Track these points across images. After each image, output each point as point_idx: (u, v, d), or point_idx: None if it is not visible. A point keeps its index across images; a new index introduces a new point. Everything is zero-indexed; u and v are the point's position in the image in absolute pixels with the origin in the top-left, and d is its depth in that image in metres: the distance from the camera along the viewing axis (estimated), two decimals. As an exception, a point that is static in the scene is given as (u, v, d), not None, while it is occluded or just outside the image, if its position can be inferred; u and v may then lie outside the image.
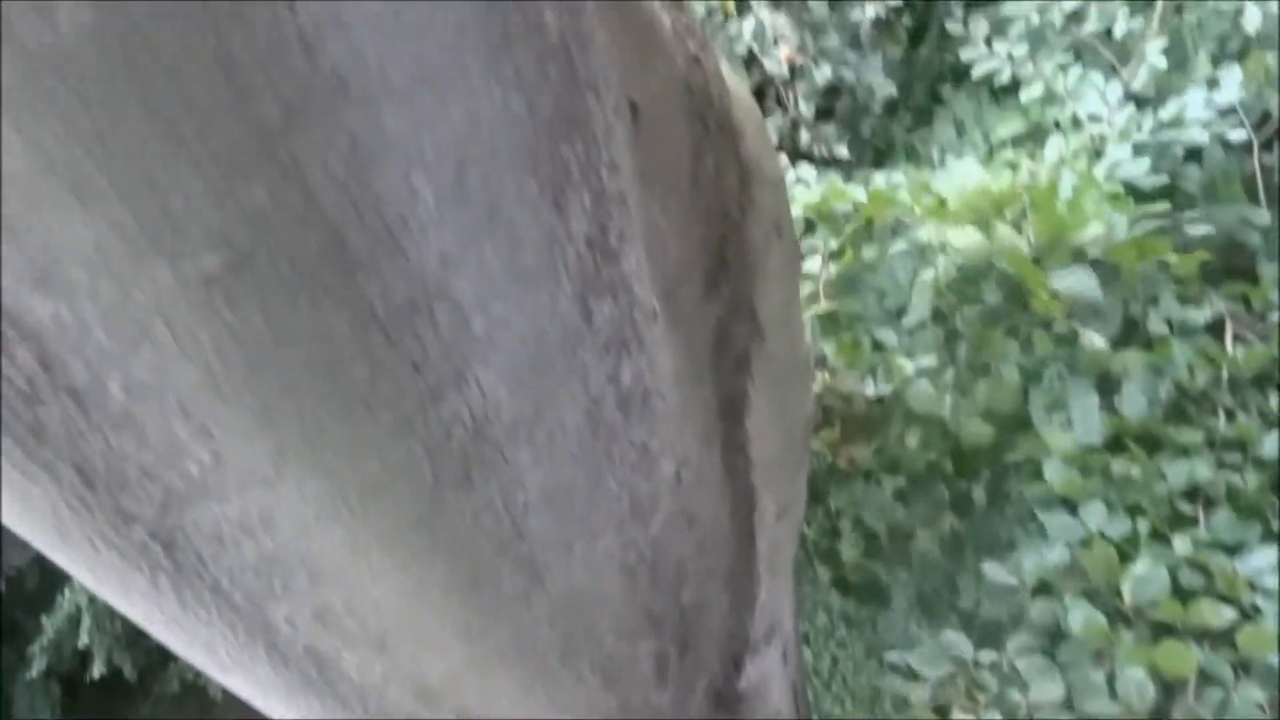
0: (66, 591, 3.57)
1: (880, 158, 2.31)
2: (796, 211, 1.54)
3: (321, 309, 0.47)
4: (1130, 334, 1.68)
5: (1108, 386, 1.65)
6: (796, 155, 2.13)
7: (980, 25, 1.84)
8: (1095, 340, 1.37)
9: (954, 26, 1.89)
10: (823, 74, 2.13)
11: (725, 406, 0.91)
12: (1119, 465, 1.62)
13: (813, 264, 1.65)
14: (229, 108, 0.38)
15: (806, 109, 2.07)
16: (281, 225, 0.43)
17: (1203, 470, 1.56)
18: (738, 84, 0.86)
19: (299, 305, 0.46)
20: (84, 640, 3.51)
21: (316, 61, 0.40)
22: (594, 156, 0.62)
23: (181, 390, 0.47)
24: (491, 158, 0.52)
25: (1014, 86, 1.81)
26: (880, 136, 2.49)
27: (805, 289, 1.65)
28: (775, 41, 2.09)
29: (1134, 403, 1.57)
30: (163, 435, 0.50)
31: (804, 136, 2.12)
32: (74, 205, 0.38)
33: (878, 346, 1.67)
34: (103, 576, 0.60)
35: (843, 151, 2.09)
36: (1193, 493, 1.61)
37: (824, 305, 1.66)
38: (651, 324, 0.75)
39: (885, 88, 2.15)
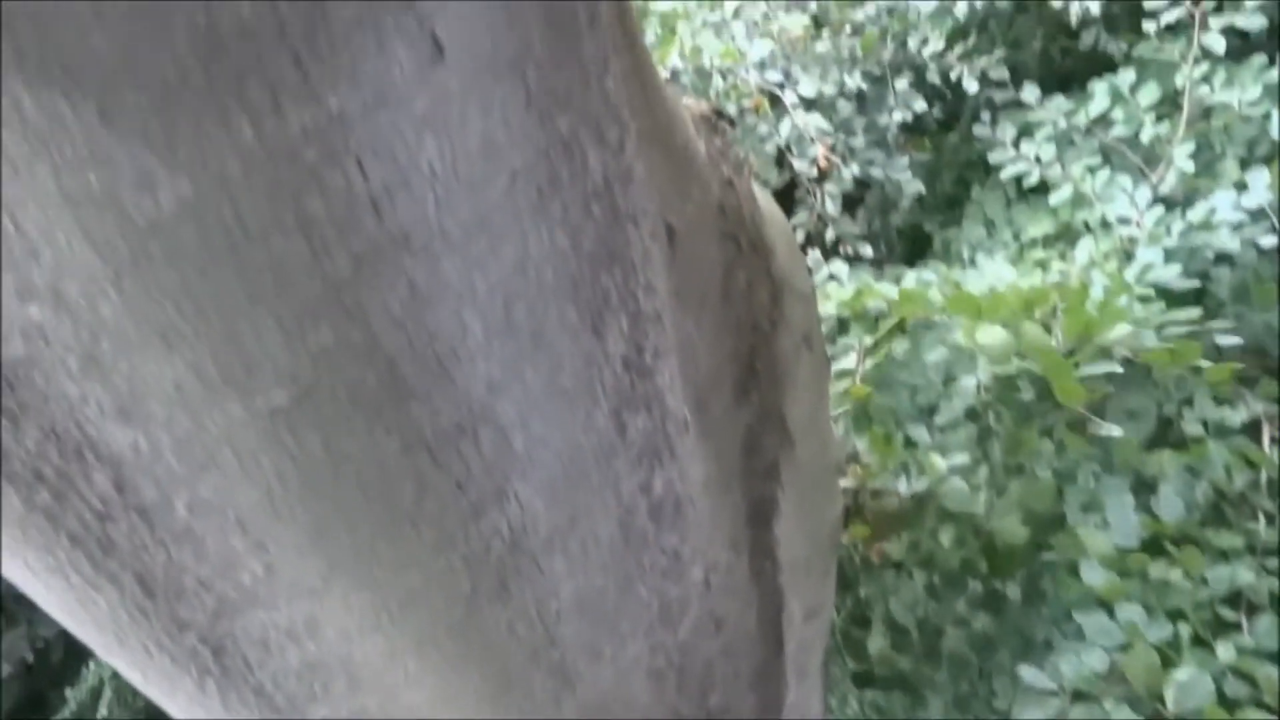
0: (91, 664, 3.58)
1: (910, 253, 2.35)
2: (829, 309, 1.57)
3: (375, 435, 0.50)
4: (1164, 434, 1.67)
5: (1143, 487, 1.65)
6: (826, 251, 2.17)
7: (1007, 129, 1.89)
8: (1113, 430, 1.37)
9: (981, 129, 1.94)
10: (851, 172, 2.18)
11: (754, 512, 0.93)
12: (1157, 568, 1.61)
13: (847, 361, 1.67)
14: (305, 263, 0.42)
15: (834, 207, 2.12)
16: (344, 362, 0.46)
17: (1244, 575, 1.54)
18: (769, 202, 0.90)
19: (355, 432, 0.49)
20: (103, 713, 3.50)
21: (384, 219, 0.43)
22: (631, 281, 0.65)
23: (241, 509, 0.51)
24: (537, 291, 0.55)
25: (1043, 187, 1.85)
26: (909, 232, 2.54)
27: (839, 385, 1.67)
28: (811, 140, 2.15)
29: (1171, 505, 1.56)
30: (220, 549, 0.53)
31: (832, 233, 2.16)
32: (160, 349, 0.42)
33: (910, 443, 1.67)
34: (152, 678, 0.63)
35: (867, 250, 2.13)
36: (1235, 598, 1.58)
37: (856, 401, 1.68)
38: (683, 434, 0.78)
39: (913, 185, 2.19)
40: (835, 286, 1.69)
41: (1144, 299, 1.48)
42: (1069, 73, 2.41)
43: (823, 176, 2.18)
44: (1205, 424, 1.57)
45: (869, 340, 1.52)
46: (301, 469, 0.49)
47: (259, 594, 0.56)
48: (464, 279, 0.49)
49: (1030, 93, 1.95)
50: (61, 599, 0.54)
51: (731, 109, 2.32)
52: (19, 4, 0.32)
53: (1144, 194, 1.67)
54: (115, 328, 0.41)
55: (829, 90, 2.18)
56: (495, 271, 0.51)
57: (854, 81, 2.18)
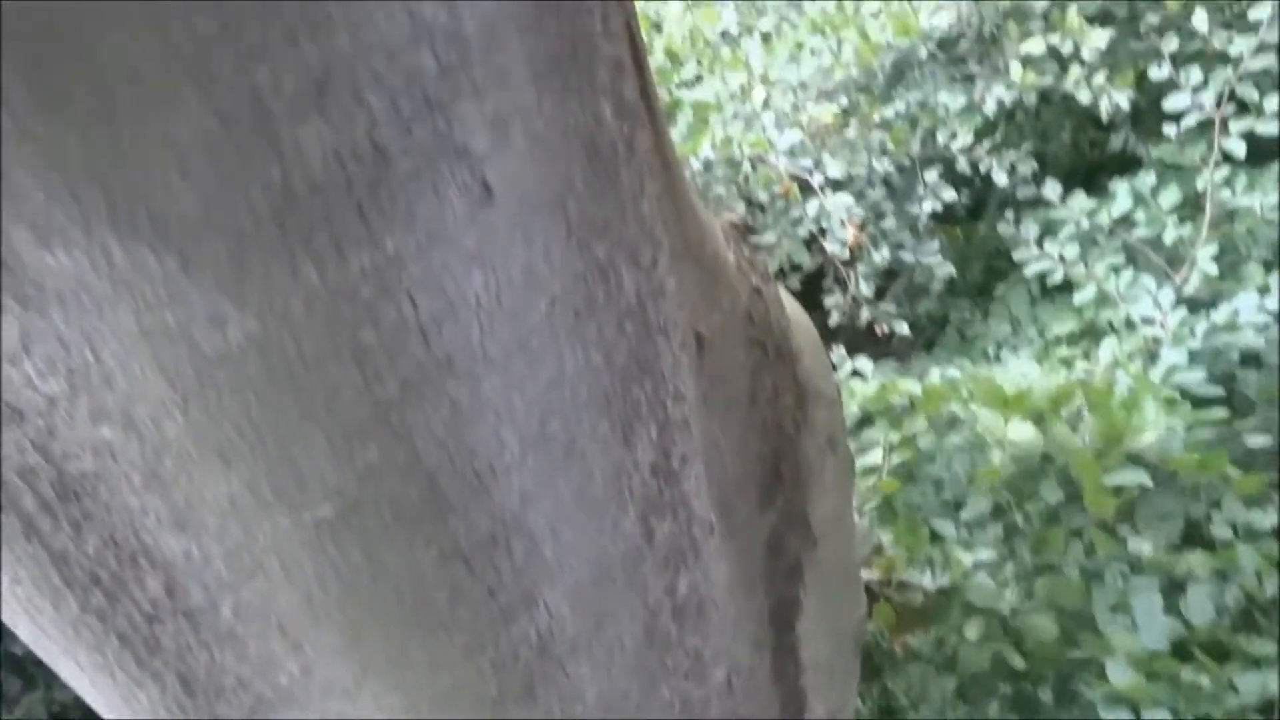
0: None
1: (935, 342, 2.37)
2: (853, 406, 1.59)
3: (414, 546, 0.52)
4: (1193, 536, 1.66)
5: (1173, 589, 1.63)
6: (855, 335, 2.20)
7: (1031, 227, 1.92)
8: (1146, 549, 1.37)
9: (1005, 227, 1.97)
10: (882, 255, 2.21)
11: (777, 613, 0.94)
12: (1187, 672, 1.58)
13: (872, 456, 1.68)
14: (356, 388, 0.45)
15: (867, 288, 2.15)
16: (388, 478, 0.49)
17: (1275, 684, 1.51)
18: (795, 307, 0.92)
19: (395, 543, 0.51)
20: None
21: (431, 346, 0.46)
22: (661, 391, 0.68)
23: (282, 613, 0.53)
24: (571, 406, 0.58)
25: (1067, 284, 1.87)
26: (936, 320, 2.56)
27: (865, 479, 1.68)
28: (842, 223, 2.19)
29: (1201, 609, 1.54)
30: (261, 650, 0.55)
31: (864, 315, 2.19)
32: (219, 466, 0.44)
33: (936, 537, 1.67)
34: (187, 771, 0.64)
35: (904, 328, 2.15)
36: (1267, 707, 1.55)
37: (882, 494, 1.68)
38: (708, 537, 0.79)
39: (944, 268, 2.22)
40: (859, 382, 1.71)
41: (1169, 401, 1.49)
42: (1095, 164, 2.46)
43: (853, 259, 2.22)
44: (1234, 527, 1.56)
45: (894, 435, 1.53)
46: (342, 576, 0.51)
47: (295, 694, 0.57)
48: (503, 398, 0.52)
49: (1053, 190, 1.98)
50: (106, 695, 0.56)
51: (762, 195, 2.38)
52: (114, 164, 0.35)
53: (1167, 295, 1.69)
54: (179, 447, 0.44)
55: (858, 175, 2.23)
56: (532, 390, 0.54)
57: (883, 167, 2.23)
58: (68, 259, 0.37)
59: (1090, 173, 2.57)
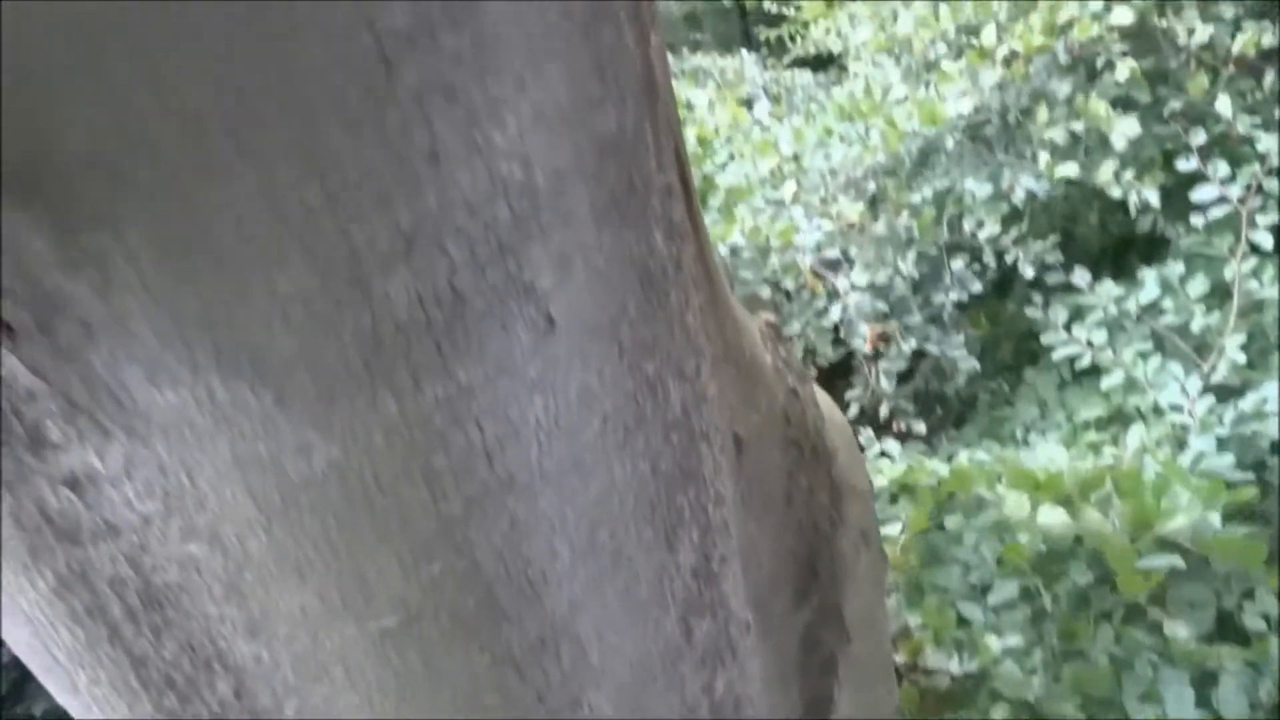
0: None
1: (962, 427, 2.38)
2: (881, 483, 1.60)
3: (469, 652, 0.54)
4: (1225, 625, 1.64)
5: (1204, 680, 1.61)
6: (879, 425, 2.21)
7: (1059, 311, 1.94)
8: (1181, 633, 1.36)
9: (1033, 312, 1.99)
10: (907, 346, 2.23)
11: (811, 707, 0.94)
12: (1222, 768, 1.55)
13: (894, 529, 1.69)
14: (425, 507, 0.47)
15: (888, 383, 2.17)
16: (449, 589, 0.51)
17: (1312, 781, 1.48)
18: (830, 405, 0.95)
19: (452, 650, 0.54)
20: None
21: (494, 466, 0.49)
22: (703, 496, 0.70)
23: (343, 713, 0.55)
24: (619, 516, 0.60)
25: (1095, 368, 1.88)
26: (964, 400, 2.57)
27: (892, 557, 1.68)
28: (865, 319, 2.22)
29: (1233, 702, 1.52)
30: (318, 750, 0.57)
31: (885, 409, 2.20)
32: (295, 580, 0.47)
33: (963, 621, 1.66)
34: None
35: (920, 427, 2.16)
36: (1302, 804, 1.51)
37: (909, 575, 1.68)
38: (745, 635, 0.81)
39: (968, 362, 2.24)
40: (887, 463, 1.72)
41: (1200, 487, 1.49)
42: (1123, 244, 2.48)
43: (876, 353, 2.24)
44: (1267, 619, 1.54)
45: (921, 514, 1.54)
46: (401, 681, 0.53)
47: (348, 791, 0.59)
48: (557, 511, 0.55)
49: (1081, 276, 2.01)
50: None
51: (789, 284, 2.41)
52: (223, 314, 0.39)
53: (1195, 383, 1.70)
54: (259, 562, 0.46)
55: (884, 272, 2.26)
56: (584, 501, 0.57)
57: (908, 266, 2.26)
58: (174, 396, 0.40)
59: (1118, 253, 2.59)
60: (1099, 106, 1.91)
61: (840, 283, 2.11)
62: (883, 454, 1.85)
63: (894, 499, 1.66)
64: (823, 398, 0.94)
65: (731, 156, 2.88)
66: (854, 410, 2.26)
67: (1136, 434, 1.67)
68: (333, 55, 0.35)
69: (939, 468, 1.59)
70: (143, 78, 0.32)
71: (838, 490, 0.90)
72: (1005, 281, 2.63)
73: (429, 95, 0.38)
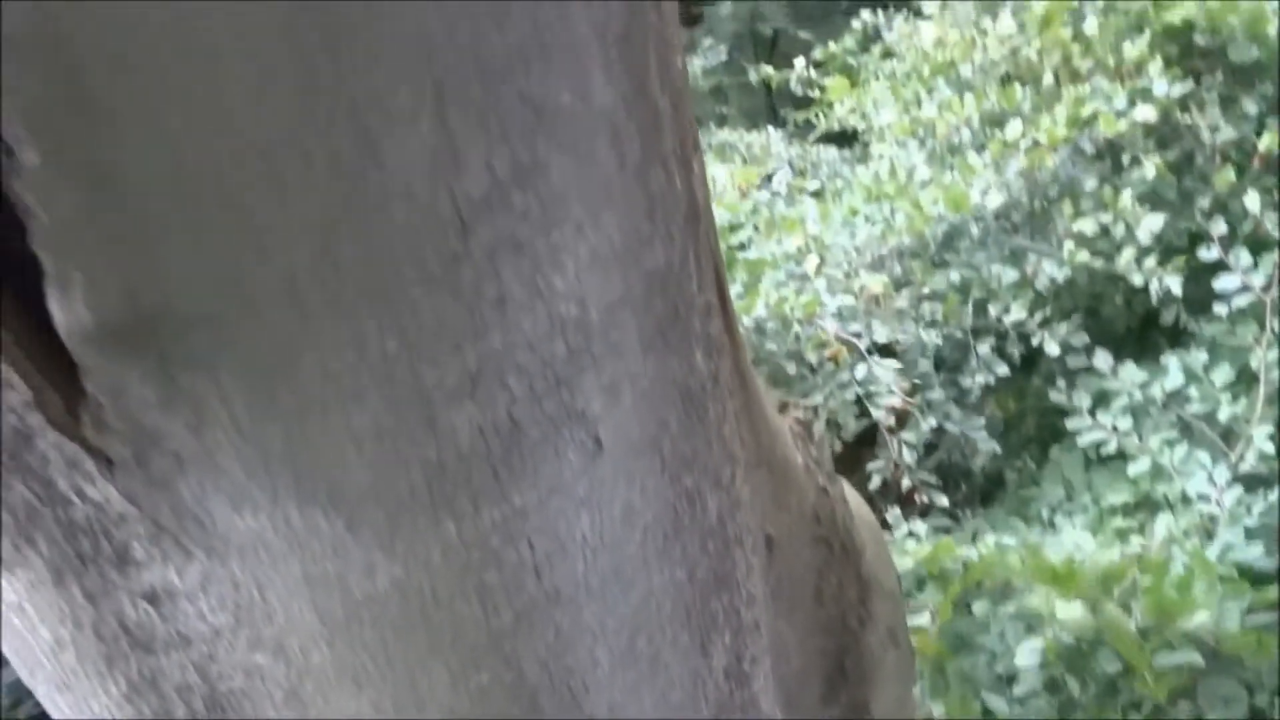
0: None
1: (989, 504, 2.37)
2: (907, 565, 1.60)
3: (512, 758, 0.56)
4: (1258, 720, 1.62)
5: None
6: (902, 498, 2.21)
7: (1083, 396, 1.95)
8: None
9: (1057, 396, 2.00)
10: (929, 424, 2.25)
11: (838, 804, 0.94)
12: None
13: (923, 619, 1.68)
14: (476, 621, 0.50)
15: (911, 456, 2.18)
16: (496, 698, 0.53)
17: None
18: (859, 503, 0.97)
19: (496, 756, 0.55)
20: None
21: (542, 581, 0.52)
22: (736, 600, 0.72)
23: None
24: (656, 623, 0.62)
25: (1121, 454, 1.88)
26: (987, 484, 2.56)
27: (917, 643, 1.67)
28: (889, 389, 2.24)
29: (1267, 802, 1.50)
30: None
31: (905, 481, 2.21)
32: (351, 689, 0.50)
33: (988, 712, 1.65)
34: None
35: (942, 500, 2.16)
36: None
37: (933, 662, 1.67)
38: (774, 734, 0.82)
39: (987, 444, 2.24)
40: (913, 543, 1.72)
41: (1227, 580, 1.49)
42: (1146, 325, 2.49)
43: (900, 425, 2.26)
44: (1301, 717, 1.52)
45: (947, 606, 1.54)
46: (446, 786, 0.55)
47: None
48: (599, 621, 0.57)
49: (1104, 360, 2.02)
50: None
51: (812, 357, 2.44)
52: (304, 448, 0.42)
53: (1223, 472, 1.70)
54: (320, 672, 0.49)
55: (908, 343, 2.29)
56: (624, 611, 0.59)
57: (931, 339, 2.28)
58: (253, 521, 0.43)
59: (1142, 330, 2.60)
60: (1126, 200, 1.95)
61: (866, 348, 2.14)
62: (910, 534, 1.85)
63: (920, 584, 1.66)
64: (851, 494, 0.96)
65: (756, 229, 2.93)
66: (876, 481, 2.26)
67: (1164, 523, 1.67)
68: (416, 220, 0.39)
69: (966, 551, 1.59)
70: (251, 246, 0.36)
71: (866, 588, 0.92)
72: (1030, 358, 2.64)
73: (499, 250, 0.42)
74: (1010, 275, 2.15)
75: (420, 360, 0.42)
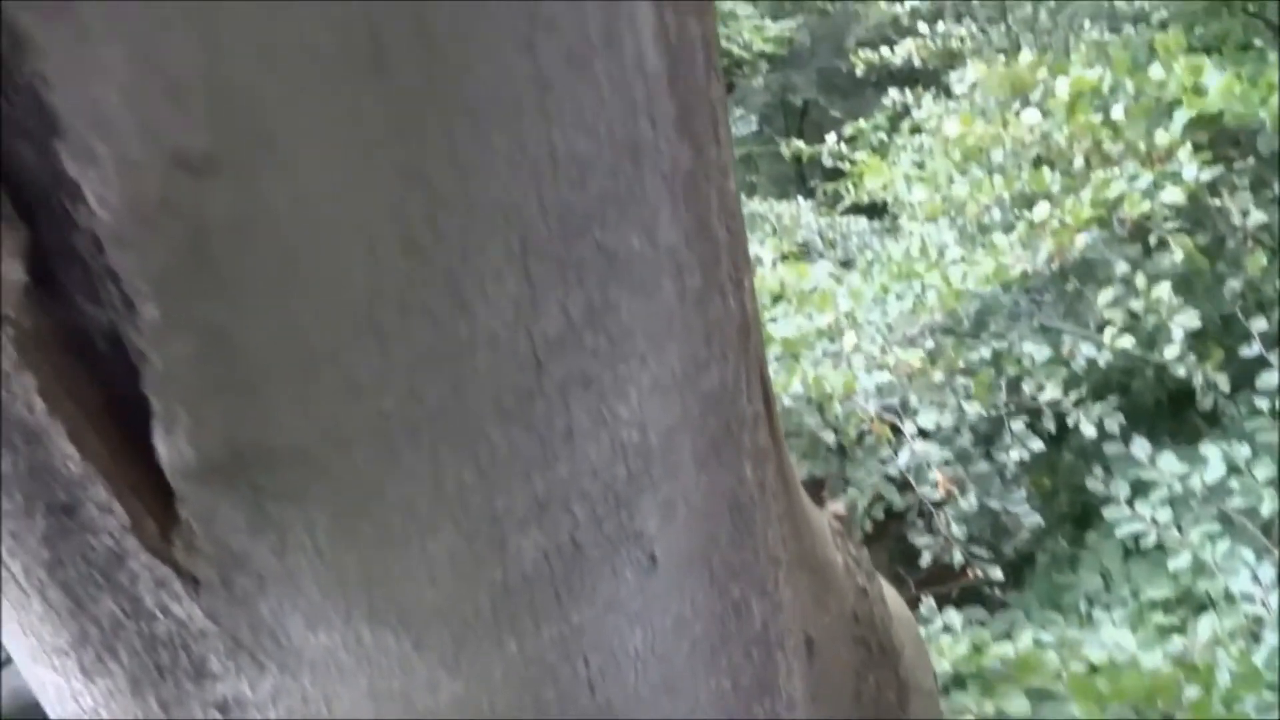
0: None
1: (1022, 589, 2.34)
2: (945, 666, 1.58)
3: None
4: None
5: None
6: (945, 578, 2.19)
7: (1121, 485, 1.93)
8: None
9: (1094, 485, 1.99)
10: (967, 502, 2.24)
11: None
12: None
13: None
14: None
15: (960, 531, 2.17)
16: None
17: None
18: (898, 602, 0.97)
19: None
20: None
21: (595, 695, 0.53)
22: (778, 704, 0.72)
23: None
24: (703, 733, 0.63)
25: (1160, 545, 1.86)
26: (1024, 559, 2.53)
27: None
28: (929, 466, 2.24)
29: None
30: None
31: (956, 556, 2.19)
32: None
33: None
34: None
35: (997, 573, 2.14)
36: None
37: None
38: (813, 840, 0.81)
39: (1031, 518, 2.22)
40: (949, 641, 1.70)
41: (1272, 685, 1.45)
42: (1182, 401, 2.46)
43: (944, 501, 2.25)
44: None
45: (988, 705, 1.52)
46: None
47: None
48: (651, 733, 0.58)
49: (1141, 448, 2.01)
50: None
51: (851, 433, 2.44)
52: (379, 573, 0.44)
53: (1268, 570, 1.67)
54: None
55: (949, 416, 2.29)
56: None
57: (972, 410, 2.28)
58: (326, 639, 0.45)
59: (1174, 410, 2.57)
60: (1161, 291, 1.95)
61: (906, 425, 2.14)
62: (945, 629, 1.83)
63: (960, 682, 1.64)
64: (890, 594, 0.96)
65: (789, 301, 2.96)
66: (925, 559, 2.24)
67: (1208, 625, 1.64)
68: (496, 361, 0.41)
69: (1004, 649, 1.57)
70: (344, 389, 0.38)
71: (905, 688, 0.91)
72: (1059, 433, 2.62)
73: (570, 385, 0.44)
74: (1044, 353, 2.15)
75: (493, 490, 0.44)
